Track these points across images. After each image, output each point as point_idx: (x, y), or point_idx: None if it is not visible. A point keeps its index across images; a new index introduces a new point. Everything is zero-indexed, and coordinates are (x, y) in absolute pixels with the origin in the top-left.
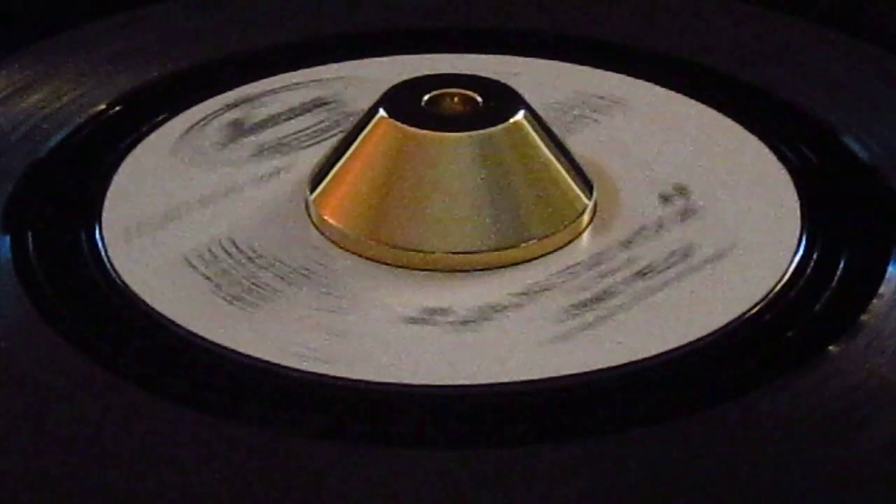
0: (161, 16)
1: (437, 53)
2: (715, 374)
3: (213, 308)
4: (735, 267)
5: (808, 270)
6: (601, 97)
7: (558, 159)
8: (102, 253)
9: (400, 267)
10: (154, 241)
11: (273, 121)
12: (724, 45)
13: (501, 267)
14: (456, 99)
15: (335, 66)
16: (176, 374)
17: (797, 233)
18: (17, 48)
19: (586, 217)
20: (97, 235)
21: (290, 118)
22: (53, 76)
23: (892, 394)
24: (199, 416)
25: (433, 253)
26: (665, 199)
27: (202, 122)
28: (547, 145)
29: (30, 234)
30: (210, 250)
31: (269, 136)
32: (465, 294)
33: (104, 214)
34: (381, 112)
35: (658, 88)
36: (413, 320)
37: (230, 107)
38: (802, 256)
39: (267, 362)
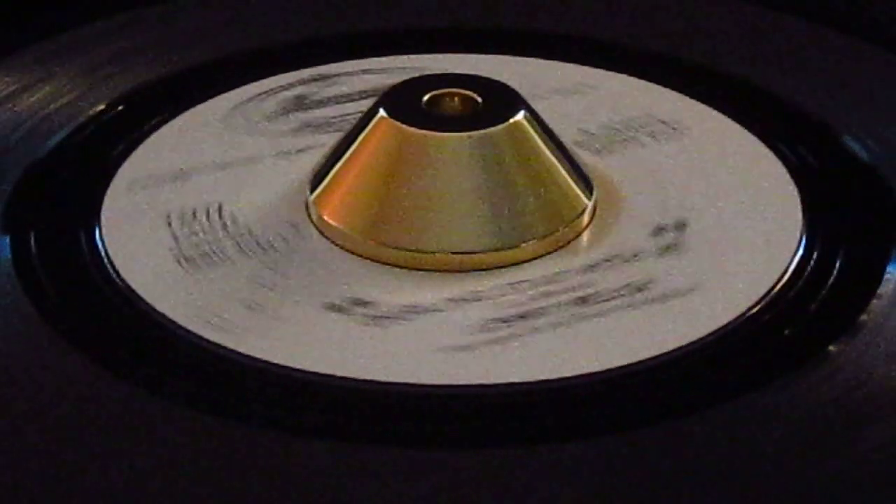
0: (161, 16)
1: (437, 53)
2: (715, 374)
3: (165, 269)
4: (681, 309)
5: (808, 270)
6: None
7: (558, 159)
8: (102, 253)
9: (400, 267)
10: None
11: (334, 101)
12: (724, 44)
13: (501, 267)
14: (456, 99)
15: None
16: (176, 373)
17: (797, 233)
18: (17, 48)
19: (586, 217)
20: (97, 235)
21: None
22: (53, 76)
23: (891, 394)
24: (199, 415)
25: (433, 253)
26: (659, 230)
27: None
28: (547, 145)
29: (30, 234)
30: (194, 213)
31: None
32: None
33: (104, 214)
34: (381, 112)
35: (653, 85)
36: (334, 307)
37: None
38: (802, 256)
39: (271, 363)
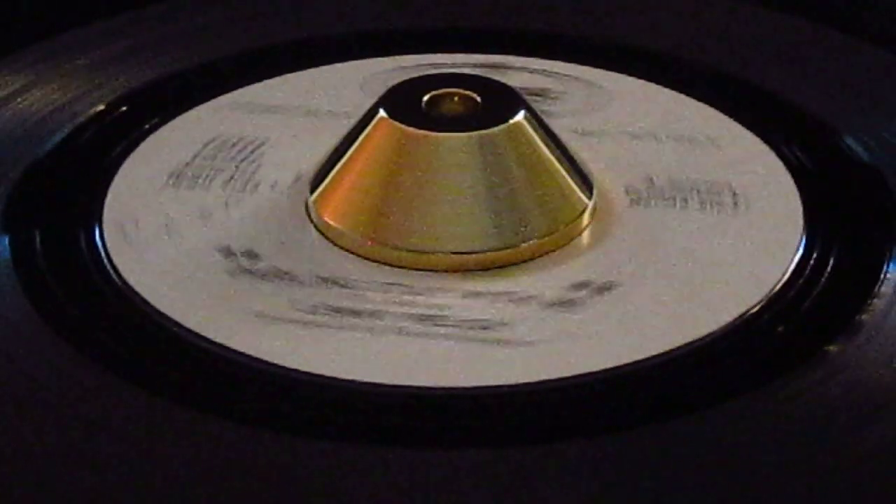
0: (161, 16)
1: (437, 53)
2: (714, 374)
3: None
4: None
5: (808, 270)
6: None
7: (558, 159)
8: (102, 253)
9: (400, 267)
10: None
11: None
12: (724, 45)
13: (501, 267)
14: (456, 99)
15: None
16: (176, 373)
17: (797, 233)
18: (17, 48)
19: (586, 217)
20: (97, 235)
21: None
22: (53, 76)
23: (891, 394)
24: (199, 415)
25: (433, 253)
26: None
27: None
28: (547, 145)
29: (30, 234)
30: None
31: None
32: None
33: (104, 214)
34: (381, 112)
35: (653, 85)
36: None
37: None
38: (802, 256)
39: (271, 364)
